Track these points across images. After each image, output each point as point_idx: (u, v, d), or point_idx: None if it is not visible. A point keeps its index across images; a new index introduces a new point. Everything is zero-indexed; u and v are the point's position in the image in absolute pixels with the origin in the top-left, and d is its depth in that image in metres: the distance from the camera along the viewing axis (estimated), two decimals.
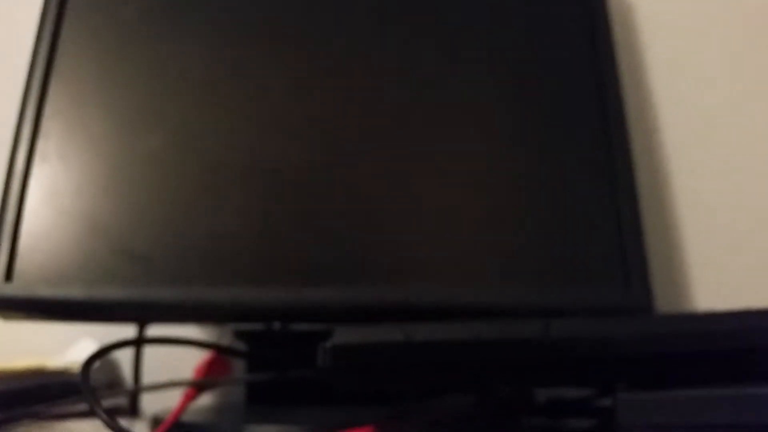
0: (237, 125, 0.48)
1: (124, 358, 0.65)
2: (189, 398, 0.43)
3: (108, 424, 0.32)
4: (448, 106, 0.49)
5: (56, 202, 0.46)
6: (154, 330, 0.56)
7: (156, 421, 0.43)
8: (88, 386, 0.35)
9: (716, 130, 0.61)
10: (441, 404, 0.41)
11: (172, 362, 0.57)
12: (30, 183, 0.46)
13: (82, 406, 0.45)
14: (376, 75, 0.50)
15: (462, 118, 0.49)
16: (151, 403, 0.58)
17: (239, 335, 0.51)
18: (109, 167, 0.47)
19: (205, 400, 0.61)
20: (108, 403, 0.56)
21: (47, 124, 0.48)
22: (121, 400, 0.59)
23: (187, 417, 0.43)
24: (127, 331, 0.59)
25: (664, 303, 0.58)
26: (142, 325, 0.56)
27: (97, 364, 0.60)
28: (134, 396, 0.60)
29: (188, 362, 0.53)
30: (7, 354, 0.60)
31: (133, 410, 0.59)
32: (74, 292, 0.44)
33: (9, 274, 0.44)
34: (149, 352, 0.63)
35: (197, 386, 0.44)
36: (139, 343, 0.40)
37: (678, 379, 0.30)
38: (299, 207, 0.46)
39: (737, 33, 0.63)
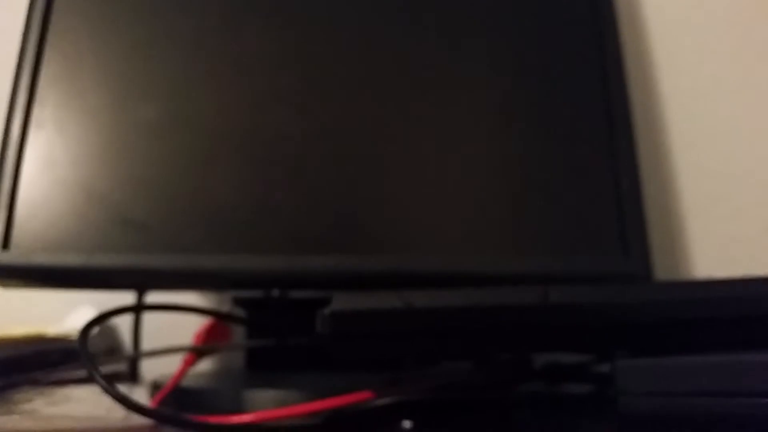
0: (234, 93, 0.48)
1: (123, 324, 0.65)
2: (188, 364, 0.43)
3: (106, 390, 0.32)
4: (449, 78, 0.49)
5: (53, 170, 0.46)
6: (153, 297, 0.56)
7: (156, 387, 0.43)
8: (87, 352, 0.35)
9: (717, 100, 0.61)
10: (439, 370, 0.41)
11: (172, 329, 0.57)
12: (26, 151, 0.46)
13: (82, 373, 0.45)
14: (376, 43, 0.49)
15: (462, 90, 0.49)
16: (151, 369, 0.59)
17: (238, 302, 0.51)
18: (106, 135, 0.46)
19: (205, 366, 0.62)
20: (107, 369, 0.57)
21: (42, 91, 0.47)
22: (121, 366, 0.60)
23: (187, 382, 0.43)
24: (126, 298, 0.60)
25: (662, 270, 0.58)
26: (140, 292, 0.56)
27: (96, 330, 0.60)
28: (134, 362, 0.60)
29: (187, 329, 0.53)
30: (6, 321, 0.60)
31: (132, 376, 0.59)
32: (72, 259, 0.44)
33: (6, 242, 0.44)
34: (148, 318, 0.64)
35: (197, 352, 0.44)
36: (138, 309, 0.40)
37: (677, 346, 0.30)
38: (297, 174, 0.46)
39: (743, 24, 0.62)
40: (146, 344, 0.62)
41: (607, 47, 0.50)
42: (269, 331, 0.49)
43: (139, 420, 0.37)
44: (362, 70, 0.49)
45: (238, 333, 0.55)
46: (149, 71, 0.48)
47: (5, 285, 0.47)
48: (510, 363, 0.38)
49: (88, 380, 0.33)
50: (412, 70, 0.49)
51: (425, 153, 0.47)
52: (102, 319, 0.38)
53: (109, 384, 0.33)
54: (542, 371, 0.40)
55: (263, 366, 0.50)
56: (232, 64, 0.48)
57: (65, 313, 0.64)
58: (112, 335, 0.65)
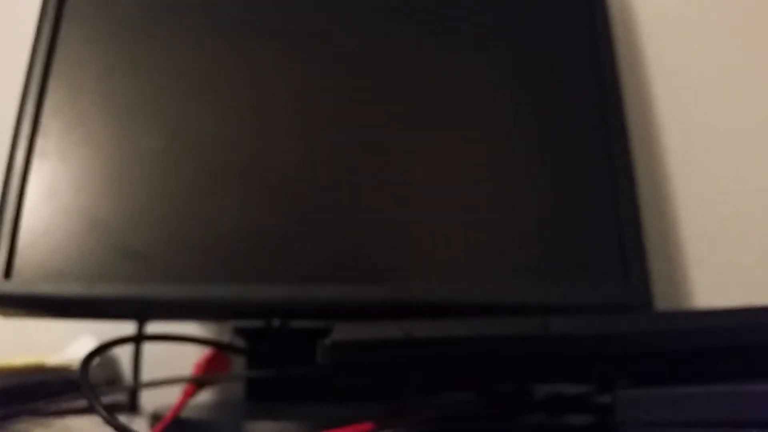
0: (236, 123, 0.48)
1: (123, 354, 0.65)
2: (188, 395, 0.43)
3: (107, 421, 0.32)
4: (447, 104, 0.49)
5: (55, 200, 0.46)
6: (153, 327, 0.56)
7: (155, 418, 0.43)
8: (87, 383, 0.35)
9: (716, 127, 0.61)
10: (440, 401, 0.41)
11: (172, 359, 0.57)
12: (29, 180, 0.46)
13: (82, 403, 0.45)
14: (374, 74, 0.50)
15: (461, 115, 0.49)
16: (151, 400, 0.58)
17: (239, 332, 0.51)
18: (109, 165, 0.47)
19: (205, 396, 0.62)
20: (107, 399, 0.56)
21: (46, 121, 0.48)
22: (121, 397, 0.59)
23: (187, 413, 0.43)
24: (126, 328, 0.60)
25: (663, 300, 0.58)
26: (141, 322, 0.56)
27: (96, 360, 0.60)
28: (134, 392, 0.60)
29: (188, 359, 0.53)
30: (6, 351, 0.60)
31: (132, 407, 0.59)
32: (73, 289, 0.44)
33: (8, 272, 0.44)
34: (149, 349, 0.64)
35: (197, 383, 0.44)
36: (138, 340, 0.40)
37: (677, 376, 0.30)
38: (298, 204, 0.46)
39: (738, 30, 0.63)
40: (146, 374, 0.62)
41: (606, 75, 0.51)
42: (270, 361, 0.48)
43: None
44: (363, 100, 0.49)
45: (239, 363, 0.55)
46: (153, 102, 0.48)
47: (7, 314, 0.47)
48: (511, 393, 0.38)
49: (88, 411, 0.33)
50: (411, 97, 0.49)
51: (426, 183, 0.47)
52: (103, 349, 0.38)
53: (109, 415, 0.33)
54: (543, 402, 0.40)
55: (263, 396, 0.50)
56: (236, 95, 0.49)
57: (66, 342, 0.64)
58: (112, 365, 0.65)
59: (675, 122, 0.63)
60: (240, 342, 0.51)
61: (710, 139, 0.61)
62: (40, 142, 0.47)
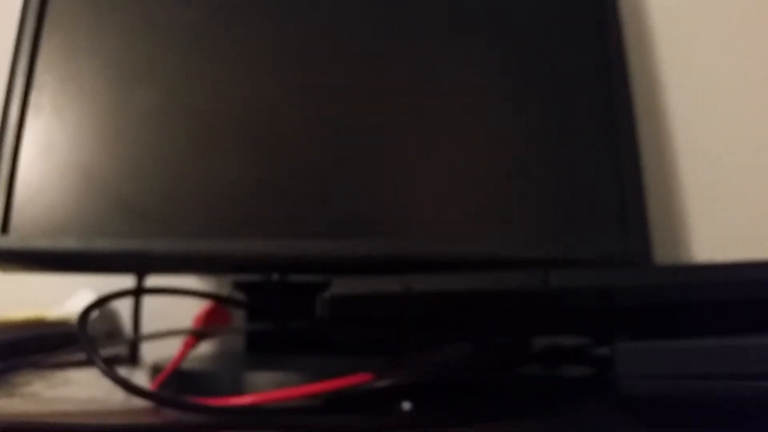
0: (233, 76, 0.47)
1: (123, 308, 0.65)
2: (189, 347, 0.43)
3: (106, 373, 0.32)
4: (447, 59, 0.49)
5: (51, 155, 0.46)
6: (152, 281, 0.57)
7: (156, 369, 0.43)
8: (86, 335, 0.35)
9: (718, 82, 0.61)
10: (438, 353, 0.41)
11: (171, 313, 0.57)
12: (24, 136, 0.46)
13: (82, 356, 0.46)
14: (376, 28, 0.49)
15: (461, 70, 0.48)
16: (151, 353, 0.59)
17: (238, 286, 0.51)
18: (104, 119, 0.46)
19: (205, 349, 0.62)
20: (108, 352, 0.57)
21: (40, 76, 0.47)
22: (121, 350, 0.60)
23: (187, 365, 0.43)
24: (126, 282, 0.60)
25: (662, 255, 0.58)
26: (140, 276, 0.56)
27: (96, 314, 0.60)
28: (134, 345, 0.60)
29: (187, 312, 0.53)
30: (6, 305, 0.60)
31: (133, 359, 0.60)
32: (71, 243, 0.44)
33: (5, 227, 0.44)
34: (149, 302, 0.64)
35: (197, 335, 0.44)
36: (137, 293, 0.40)
37: (676, 330, 0.30)
38: (297, 158, 0.46)
39: None
40: (146, 328, 0.63)
41: (609, 31, 0.50)
42: (269, 315, 0.49)
43: (139, 402, 0.37)
44: (363, 55, 0.48)
45: (238, 316, 0.55)
46: (147, 55, 0.47)
47: (5, 269, 0.47)
48: (509, 346, 0.38)
49: (88, 363, 0.33)
50: (413, 53, 0.48)
51: (425, 136, 0.47)
52: (101, 302, 0.38)
53: (108, 367, 0.33)
54: (541, 354, 0.40)
55: (263, 349, 0.50)
56: (232, 48, 0.48)
57: (65, 297, 0.64)
58: (112, 319, 0.65)
59: (677, 77, 0.62)
60: (239, 295, 0.51)
61: (712, 93, 0.61)
62: (34, 97, 0.47)
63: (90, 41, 0.48)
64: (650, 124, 0.61)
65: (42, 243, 0.44)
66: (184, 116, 0.46)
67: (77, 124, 0.46)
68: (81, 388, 0.44)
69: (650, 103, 0.62)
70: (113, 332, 0.64)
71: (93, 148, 0.46)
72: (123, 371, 0.35)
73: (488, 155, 0.47)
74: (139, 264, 0.47)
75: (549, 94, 0.48)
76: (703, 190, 0.60)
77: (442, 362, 0.37)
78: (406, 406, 0.36)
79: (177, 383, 0.41)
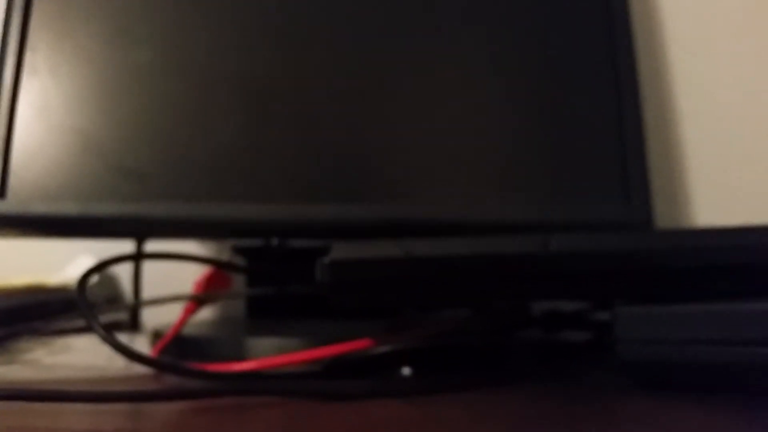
0: (231, 36, 0.47)
1: (124, 274, 0.65)
2: (189, 312, 0.43)
3: (105, 339, 0.32)
4: (450, 22, 0.48)
5: (48, 118, 0.45)
6: (152, 246, 0.56)
7: (157, 335, 0.44)
8: (85, 300, 0.35)
9: (723, 44, 0.60)
10: (438, 318, 0.41)
11: (171, 278, 0.57)
12: (20, 98, 0.45)
13: (82, 322, 0.46)
14: None
15: (462, 32, 0.48)
16: (152, 318, 0.59)
17: (238, 251, 0.51)
18: (101, 81, 0.46)
19: (206, 314, 0.62)
20: (108, 318, 0.57)
21: (34, 36, 0.46)
22: (122, 316, 0.60)
23: (188, 330, 0.43)
24: (126, 247, 0.60)
25: (663, 218, 0.58)
26: (139, 240, 0.56)
27: (95, 279, 0.60)
28: (134, 311, 0.60)
29: (187, 278, 0.53)
30: (6, 271, 0.60)
31: (133, 324, 0.60)
32: (69, 208, 0.43)
33: (2, 192, 0.44)
34: (148, 268, 0.64)
35: (197, 300, 0.44)
36: (137, 258, 0.40)
37: (676, 295, 0.30)
38: (297, 121, 0.45)
39: None
40: (147, 293, 0.63)
41: None
42: (269, 280, 0.49)
43: (140, 369, 0.38)
44: (364, 13, 0.48)
45: (238, 281, 0.55)
46: (143, 13, 0.47)
47: (3, 235, 0.47)
48: (508, 310, 0.38)
49: (88, 330, 0.33)
50: (415, 14, 0.48)
51: (426, 101, 0.46)
52: (100, 267, 0.38)
53: (108, 333, 0.33)
54: (540, 319, 0.40)
55: (264, 314, 0.50)
56: (229, 5, 0.47)
57: (65, 263, 0.64)
58: (112, 285, 0.65)
59: (680, 40, 0.61)
60: (239, 260, 0.51)
61: (716, 57, 0.60)
62: (28, 58, 0.46)
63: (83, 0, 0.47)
64: (653, 87, 0.61)
65: (40, 208, 0.43)
66: (180, 75, 0.46)
67: (73, 85, 0.45)
68: (81, 354, 0.44)
69: (653, 65, 0.61)
70: (114, 298, 0.64)
71: (91, 111, 0.45)
72: (123, 337, 0.36)
73: (489, 120, 0.46)
74: (139, 228, 0.47)
75: (551, 59, 0.48)
76: (705, 155, 0.59)
77: (442, 327, 0.37)
78: (406, 371, 0.36)
79: (178, 349, 0.41)
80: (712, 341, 0.27)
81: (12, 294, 0.51)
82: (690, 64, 0.61)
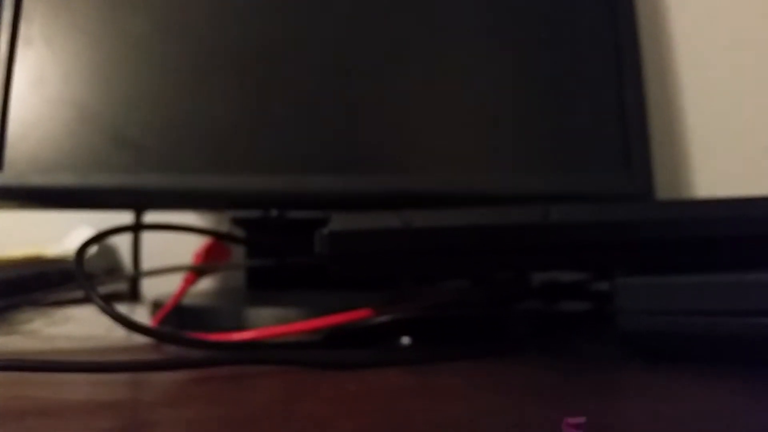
0: (229, 7, 0.46)
1: (123, 245, 0.65)
2: (189, 283, 0.44)
3: (103, 309, 0.32)
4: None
5: (44, 89, 0.45)
6: (151, 217, 0.56)
7: (156, 305, 0.44)
8: (83, 271, 0.35)
9: (725, 14, 0.59)
10: (437, 289, 0.41)
11: (170, 249, 0.57)
12: (15, 69, 0.45)
13: (81, 293, 0.46)
14: None
15: (465, 8, 0.47)
16: (152, 289, 0.59)
17: (237, 222, 0.51)
18: (96, 51, 0.45)
19: (205, 285, 0.62)
20: (108, 288, 0.57)
21: (29, 5, 0.46)
22: (122, 286, 0.60)
23: (188, 301, 0.43)
24: (125, 218, 0.59)
25: (664, 189, 0.58)
26: (138, 212, 0.56)
27: (94, 250, 0.60)
28: (134, 281, 0.60)
29: (187, 249, 0.53)
30: (5, 243, 0.60)
31: (133, 295, 0.60)
32: (67, 179, 0.43)
33: None
34: (147, 239, 0.64)
35: (197, 271, 0.44)
36: (136, 229, 0.40)
37: (677, 265, 0.30)
38: (296, 92, 0.45)
39: None
40: (146, 264, 0.63)
41: None
42: (268, 251, 0.49)
43: (139, 339, 0.38)
44: None
45: (238, 252, 0.55)
46: None
47: (1, 207, 0.47)
48: (508, 281, 0.38)
49: (88, 300, 0.33)
50: None
51: (426, 72, 0.46)
52: (99, 238, 0.37)
53: (106, 303, 0.33)
54: (540, 289, 0.40)
55: (263, 285, 0.50)
56: None
57: (64, 234, 0.64)
58: (112, 255, 0.65)
59: (683, 9, 0.60)
60: (238, 231, 0.51)
61: (718, 26, 0.59)
62: (23, 29, 0.45)
63: None
64: (654, 57, 0.60)
65: (37, 179, 0.43)
66: (178, 46, 0.45)
67: (69, 55, 0.45)
68: (81, 325, 0.45)
69: (654, 34, 0.61)
70: (113, 269, 0.64)
71: (87, 81, 0.45)
72: (123, 308, 0.36)
73: (489, 91, 0.46)
74: (137, 200, 0.47)
75: (551, 29, 0.47)
76: (707, 126, 0.59)
77: (441, 298, 0.37)
78: (406, 340, 0.36)
79: (177, 319, 0.41)
80: (712, 312, 0.27)
81: (11, 265, 0.51)
82: (692, 33, 0.60)
